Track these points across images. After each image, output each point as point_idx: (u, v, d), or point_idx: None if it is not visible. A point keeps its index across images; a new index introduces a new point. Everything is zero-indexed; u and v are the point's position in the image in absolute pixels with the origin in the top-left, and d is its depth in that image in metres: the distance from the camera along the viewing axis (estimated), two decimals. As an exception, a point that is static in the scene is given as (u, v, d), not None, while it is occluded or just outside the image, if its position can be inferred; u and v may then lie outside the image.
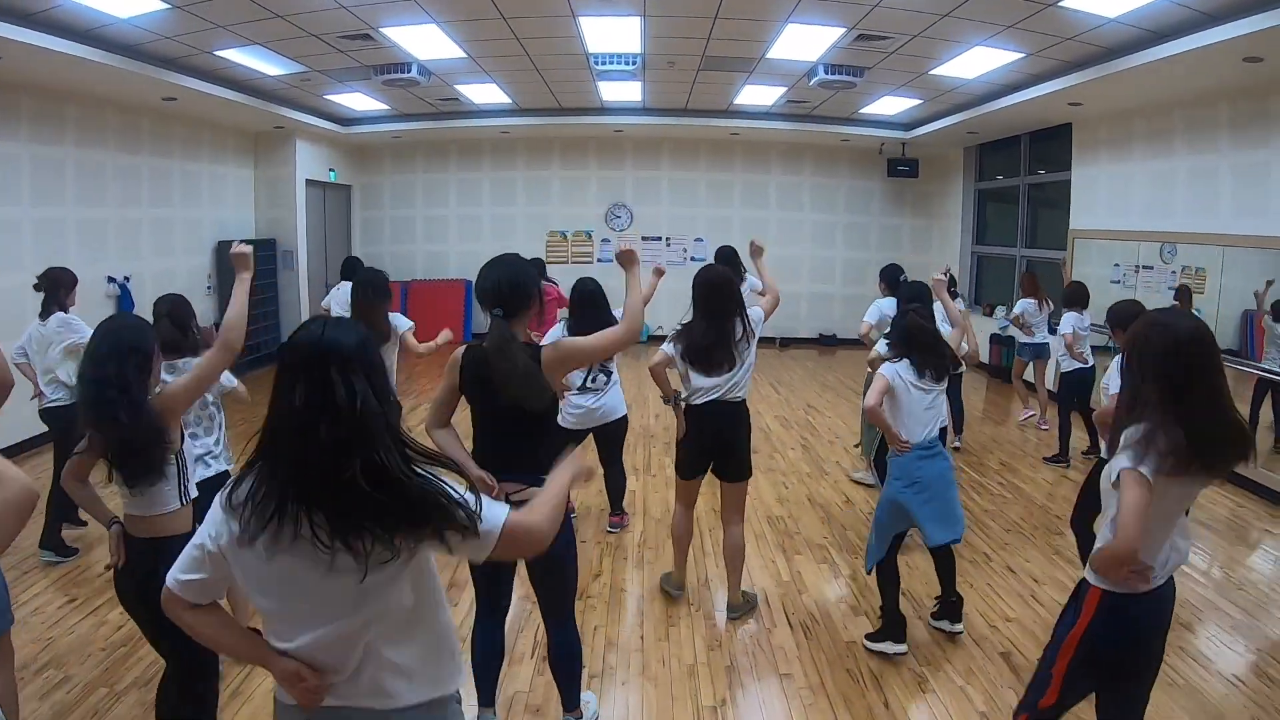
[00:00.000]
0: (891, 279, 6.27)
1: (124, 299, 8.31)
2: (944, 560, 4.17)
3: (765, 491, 6.40)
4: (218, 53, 7.37)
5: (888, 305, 5.75)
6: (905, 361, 3.95)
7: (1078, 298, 6.88)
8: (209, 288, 10.08)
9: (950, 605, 4.20)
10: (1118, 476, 2.21)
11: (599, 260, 13.17)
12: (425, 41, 7.41)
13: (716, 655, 3.98)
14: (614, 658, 3.94)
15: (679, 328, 4.18)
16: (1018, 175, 11.41)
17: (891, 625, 3.98)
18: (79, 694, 3.49)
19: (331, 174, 12.16)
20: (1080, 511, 4.51)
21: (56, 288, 5.10)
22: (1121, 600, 2.33)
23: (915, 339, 3.96)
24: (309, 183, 11.41)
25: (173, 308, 3.68)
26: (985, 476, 6.86)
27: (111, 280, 8.24)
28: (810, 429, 8.35)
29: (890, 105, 10.42)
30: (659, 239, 13.42)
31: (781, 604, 4.55)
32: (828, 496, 6.38)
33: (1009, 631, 4.26)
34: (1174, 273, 8.02)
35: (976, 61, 7.72)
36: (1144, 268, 8.44)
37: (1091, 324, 6.87)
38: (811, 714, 3.51)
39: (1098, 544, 2.35)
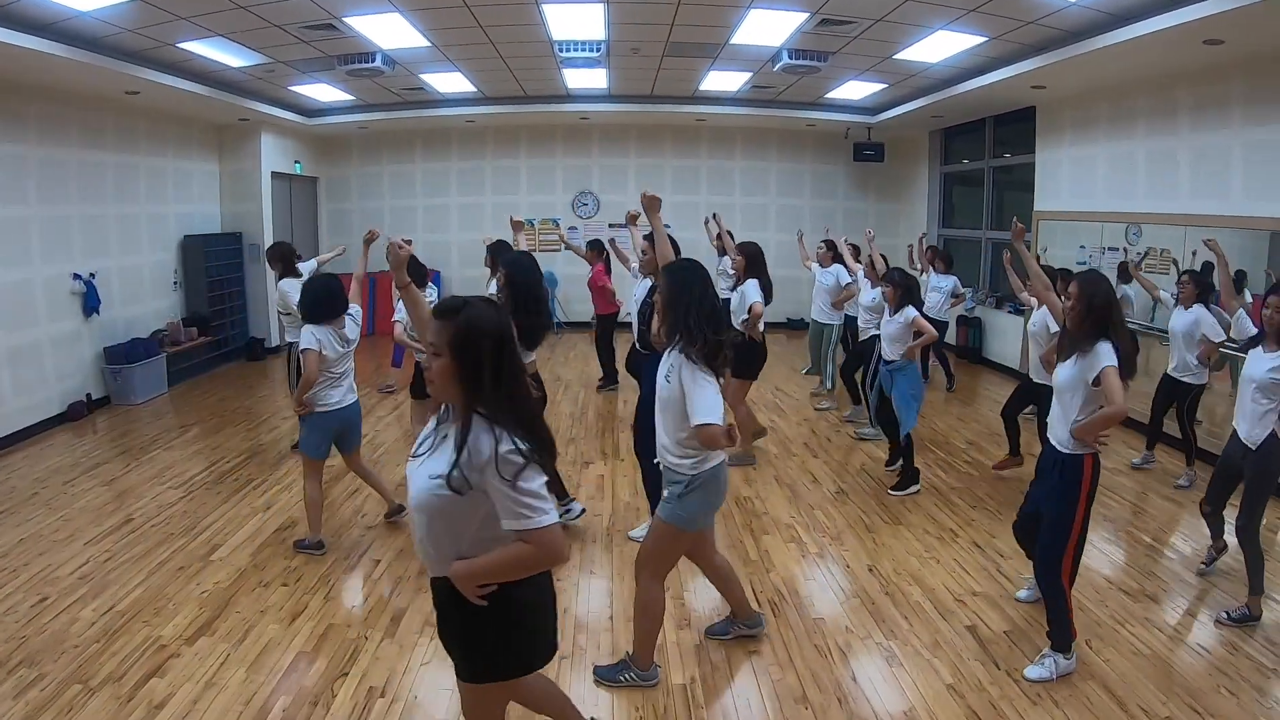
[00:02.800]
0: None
1: (90, 296, 8.21)
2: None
3: (733, 473, 6.44)
4: (181, 45, 7.28)
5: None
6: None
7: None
8: (175, 283, 9.96)
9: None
10: (1100, 373, 3.41)
11: (567, 248, 13.10)
12: (389, 30, 7.36)
13: (685, 634, 4.03)
14: (584, 639, 3.98)
15: None
16: (983, 158, 11.52)
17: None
18: (53, 691, 3.47)
19: (297, 166, 12.05)
20: (1010, 406, 6.42)
21: (291, 259, 6.81)
22: (1097, 457, 3.57)
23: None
24: (275, 175, 11.30)
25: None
26: (953, 455, 6.95)
27: (77, 277, 8.12)
28: (778, 410, 8.42)
29: (855, 90, 10.47)
30: (625, 226, 13.36)
31: (749, 583, 4.57)
32: (794, 476, 6.45)
33: (975, 605, 4.35)
34: (1139, 254, 8.14)
35: (940, 45, 7.78)
36: (1109, 249, 8.56)
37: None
38: (780, 690, 3.56)
39: (1078, 419, 3.52)
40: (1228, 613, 4.17)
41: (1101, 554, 5.07)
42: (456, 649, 2.37)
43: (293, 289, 6.51)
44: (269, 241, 10.99)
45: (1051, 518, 3.63)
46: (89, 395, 8.20)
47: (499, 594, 2.20)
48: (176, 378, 9.27)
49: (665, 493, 3.44)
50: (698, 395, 3.18)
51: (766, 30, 7.57)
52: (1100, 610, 4.31)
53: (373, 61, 8.09)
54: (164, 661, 3.68)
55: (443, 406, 2.31)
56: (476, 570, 2.16)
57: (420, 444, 2.31)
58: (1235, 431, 4.25)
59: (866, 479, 6.38)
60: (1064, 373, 3.64)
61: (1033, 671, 3.64)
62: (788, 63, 8.30)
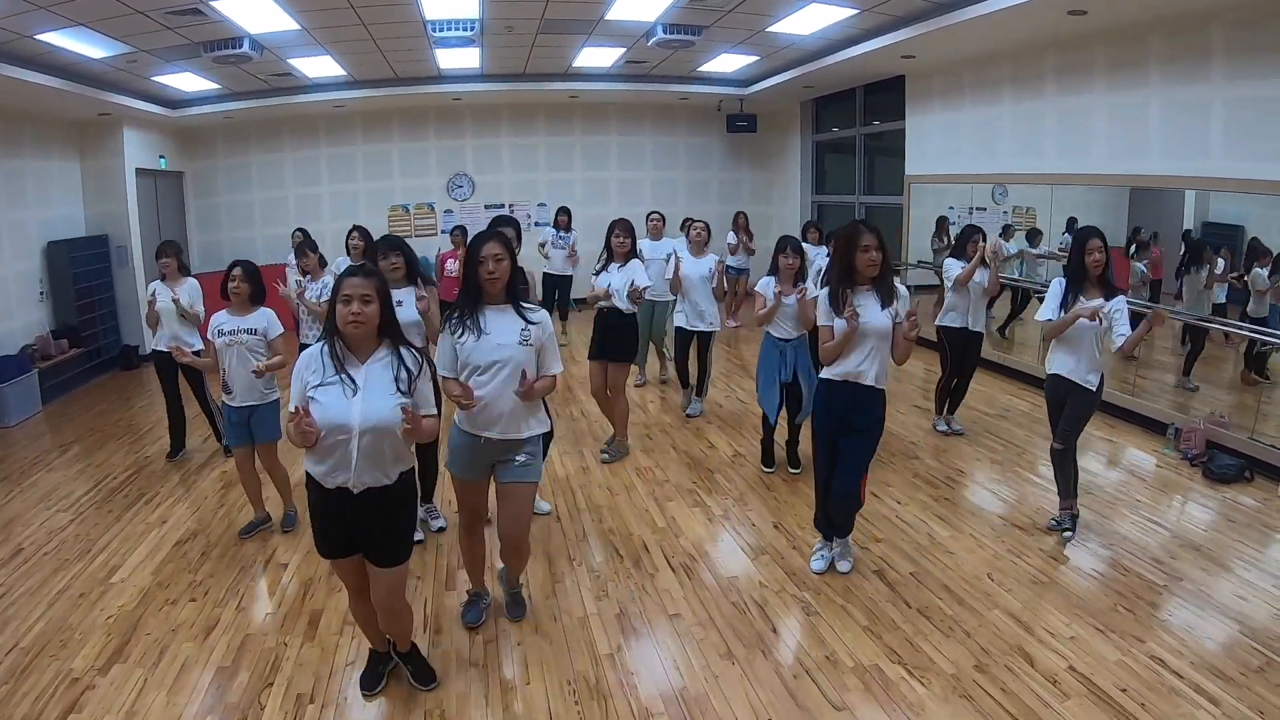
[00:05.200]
0: None
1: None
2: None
3: (632, 444, 6.56)
4: (38, 37, 6.82)
5: None
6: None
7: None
8: (41, 293, 9.37)
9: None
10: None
11: (443, 231, 12.92)
12: (257, 13, 7.07)
13: (605, 604, 4.12)
14: (505, 621, 4.00)
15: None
16: (854, 126, 11.89)
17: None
18: (-33, 738, 3.29)
19: (162, 161, 11.43)
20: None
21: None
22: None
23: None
24: (139, 172, 10.70)
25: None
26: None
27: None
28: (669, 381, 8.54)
29: (728, 63, 10.63)
30: (501, 206, 13.30)
31: (660, 549, 4.73)
32: (690, 443, 6.64)
33: (880, 551, 4.61)
34: (1005, 213, 8.59)
35: (811, 18, 7.97)
36: (977, 209, 9.00)
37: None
38: (705, 648, 3.69)
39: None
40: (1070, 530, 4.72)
41: (992, 493, 5.44)
42: (399, 540, 3.17)
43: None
44: (136, 242, 10.50)
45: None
46: (-41, 422, 7.66)
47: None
48: (50, 394, 8.74)
49: (523, 458, 3.63)
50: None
51: (641, 5, 7.62)
52: (998, 545, 4.65)
53: (240, 47, 7.74)
54: (80, 695, 3.48)
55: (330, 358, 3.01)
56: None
57: (319, 389, 2.97)
58: (1060, 373, 4.61)
59: (762, 440, 6.59)
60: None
61: (845, 565, 4.36)
62: (662, 37, 8.39)
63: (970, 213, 9.07)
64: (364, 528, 3.08)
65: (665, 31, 8.31)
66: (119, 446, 7.13)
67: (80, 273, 9.68)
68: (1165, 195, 7.00)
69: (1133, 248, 7.29)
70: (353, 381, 2.97)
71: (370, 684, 3.46)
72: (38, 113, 9.26)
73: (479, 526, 3.86)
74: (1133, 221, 7.29)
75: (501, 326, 3.48)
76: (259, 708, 3.36)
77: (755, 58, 10.19)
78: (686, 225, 7.56)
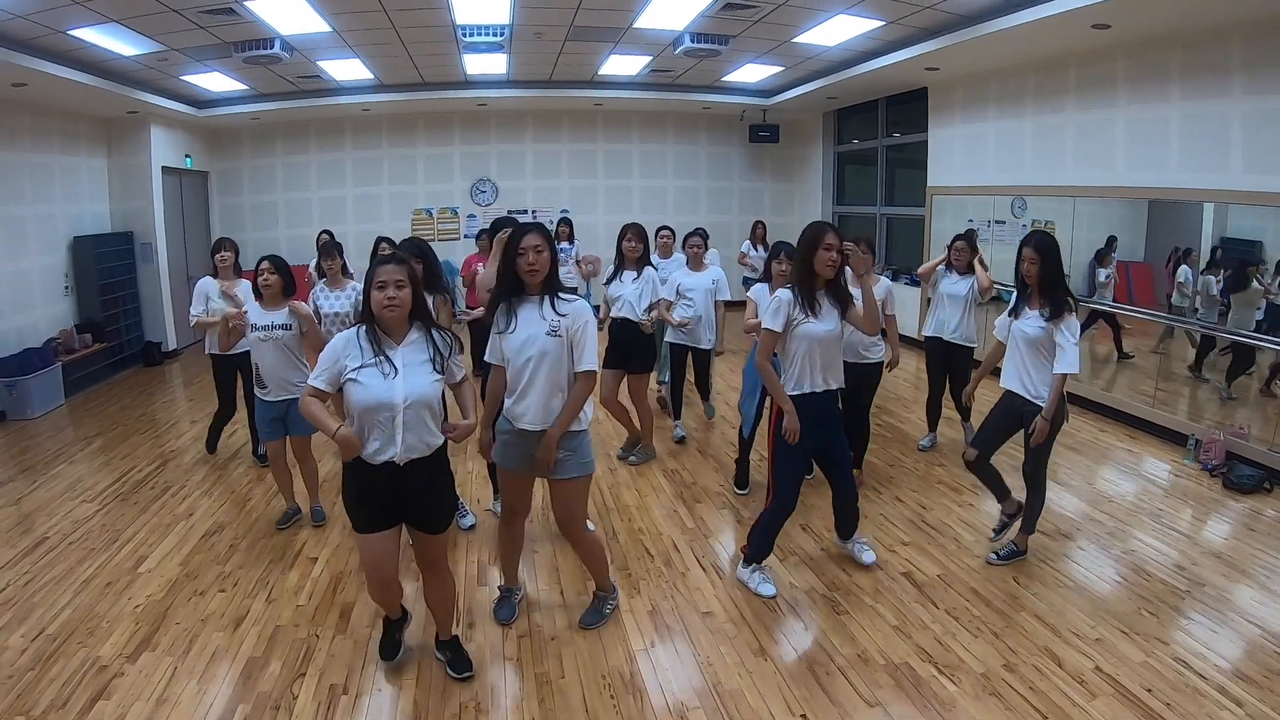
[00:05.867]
0: None
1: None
2: None
3: (659, 447, 6.59)
4: (72, 32, 6.90)
5: None
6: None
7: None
8: (66, 287, 9.45)
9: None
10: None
11: (465, 236, 13.06)
12: (290, 14, 7.15)
13: (637, 601, 4.14)
14: (539, 617, 4.03)
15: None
16: (876, 138, 11.93)
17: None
18: (-7, 726, 3.29)
19: (188, 160, 11.56)
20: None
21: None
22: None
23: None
24: (165, 170, 10.81)
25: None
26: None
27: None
28: (691, 386, 8.48)
29: (752, 73, 10.70)
30: (524, 212, 13.37)
31: (690, 549, 4.76)
32: (718, 447, 6.67)
33: (906, 554, 4.63)
34: (1025, 226, 8.58)
35: (838, 29, 8.02)
36: (997, 222, 9.01)
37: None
38: (737, 644, 3.71)
39: None
40: (996, 553, 4.52)
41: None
42: (444, 506, 3.33)
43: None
44: (161, 240, 10.59)
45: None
46: (-17, 412, 7.72)
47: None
48: (73, 388, 8.81)
49: (562, 454, 3.55)
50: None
51: (671, 14, 7.68)
52: (1022, 549, 4.63)
53: (271, 48, 7.82)
54: (108, 682, 3.47)
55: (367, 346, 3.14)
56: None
57: (359, 370, 3.09)
58: (1012, 389, 4.35)
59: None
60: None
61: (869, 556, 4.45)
62: (689, 46, 8.44)
63: (989, 225, 9.08)
64: (412, 498, 3.20)
65: (693, 40, 8.36)
66: (142, 440, 7.18)
67: (105, 268, 9.77)
68: (1184, 209, 6.96)
69: (1176, 265, 7.07)
70: (391, 362, 3.10)
71: (389, 653, 3.57)
72: (67, 108, 9.36)
73: (517, 521, 3.88)
74: (1151, 235, 7.28)
75: (533, 318, 3.46)
76: (291, 697, 3.36)
77: (779, 68, 10.25)
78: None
